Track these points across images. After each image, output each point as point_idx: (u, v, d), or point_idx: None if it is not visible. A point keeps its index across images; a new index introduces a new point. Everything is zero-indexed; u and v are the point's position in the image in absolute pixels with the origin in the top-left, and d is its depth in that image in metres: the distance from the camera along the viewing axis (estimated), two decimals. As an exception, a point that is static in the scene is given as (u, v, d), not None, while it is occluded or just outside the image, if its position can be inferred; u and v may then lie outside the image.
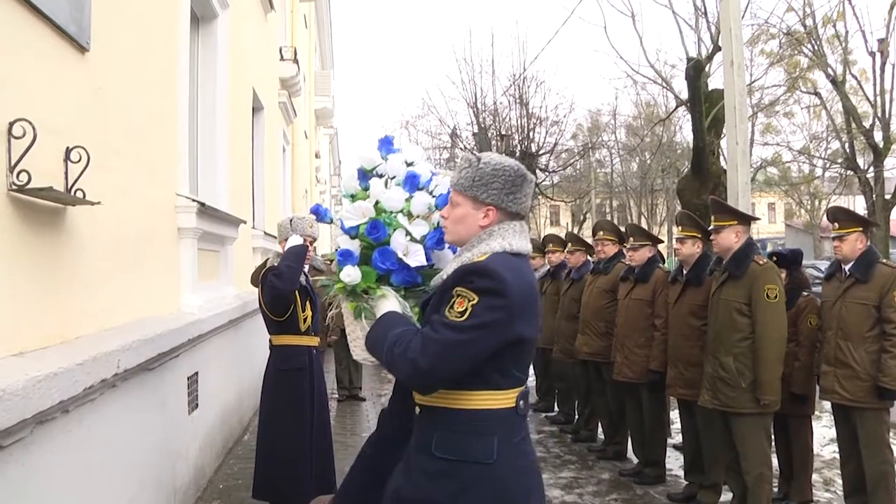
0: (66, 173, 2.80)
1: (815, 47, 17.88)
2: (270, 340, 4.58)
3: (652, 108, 29.46)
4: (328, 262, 7.44)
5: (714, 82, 11.58)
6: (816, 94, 21.41)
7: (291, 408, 4.41)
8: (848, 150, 19.89)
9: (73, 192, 2.79)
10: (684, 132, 27.07)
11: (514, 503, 2.06)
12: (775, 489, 4.78)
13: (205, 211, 4.97)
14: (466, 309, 1.98)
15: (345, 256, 2.36)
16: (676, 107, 16.33)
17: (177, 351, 4.16)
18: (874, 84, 18.56)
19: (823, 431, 6.54)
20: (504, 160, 2.20)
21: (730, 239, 4.58)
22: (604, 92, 63.95)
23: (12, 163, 2.36)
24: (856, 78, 20.07)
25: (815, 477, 5.17)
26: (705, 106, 9.71)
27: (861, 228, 4.49)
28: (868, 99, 19.43)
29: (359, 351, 2.29)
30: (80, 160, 2.81)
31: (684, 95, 11.83)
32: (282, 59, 11.43)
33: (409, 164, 2.60)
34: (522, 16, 78.78)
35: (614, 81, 50.79)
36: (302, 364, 4.49)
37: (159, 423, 3.99)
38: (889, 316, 4.25)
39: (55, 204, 2.75)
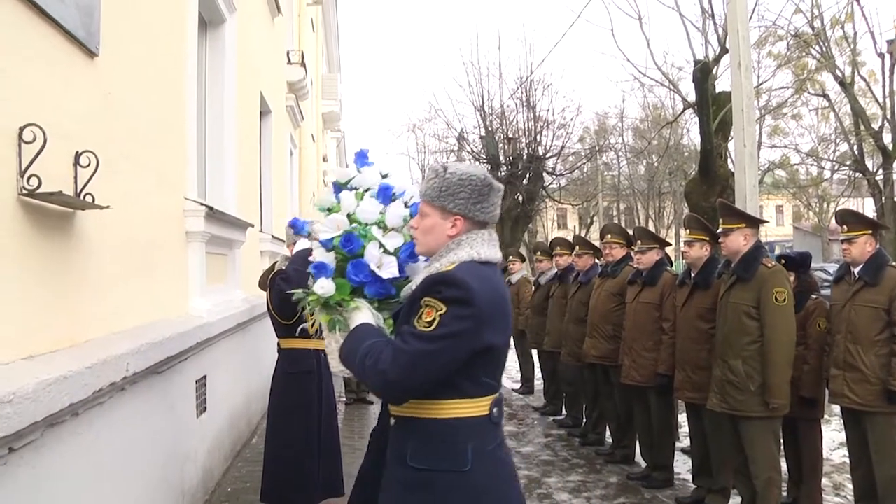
0: (76, 178, 2.82)
1: (824, 49, 17.83)
2: (279, 344, 4.59)
3: (659, 110, 29.45)
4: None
5: (721, 85, 11.55)
6: (825, 96, 21.35)
7: (299, 411, 4.42)
8: (857, 153, 19.82)
9: (82, 197, 2.81)
10: (692, 135, 27.06)
11: None
12: (784, 493, 4.76)
13: (213, 215, 4.98)
14: (435, 319, 1.98)
15: (319, 269, 2.38)
16: (684, 109, 16.28)
17: (185, 354, 4.17)
18: (883, 86, 18.51)
19: (833, 435, 6.51)
20: (471, 170, 2.21)
21: (738, 242, 4.57)
22: (611, 95, 64.04)
23: (23, 167, 2.37)
24: (864, 80, 20.02)
25: (824, 481, 5.15)
26: (713, 108, 9.69)
27: (870, 231, 4.47)
28: (877, 101, 19.37)
29: (335, 363, 2.30)
30: (89, 164, 2.82)
31: (692, 98, 11.80)
32: (289, 62, 11.46)
33: (384, 177, 2.63)
34: (529, 19, 78.87)
35: (621, 84, 50.84)
36: (310, 367, 4.49)
37: (168, 425, 4.00)
38: (899, 319, 4.23)
39: (65, 208, 2.77)
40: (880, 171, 18.74)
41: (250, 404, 6.64)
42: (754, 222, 4.75)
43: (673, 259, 7.35)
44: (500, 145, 17.86)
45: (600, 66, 49.97)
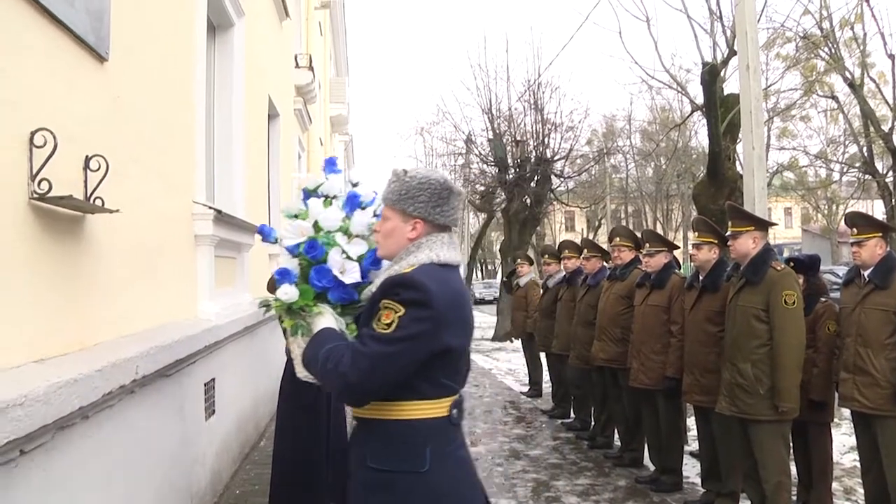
0: (86, 182, 2.84)
1: (833, 50, 17.73)
2: (287, 347, 4.59)
3: (667, 112, 29.35)
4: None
5: (730, 87, 11.52)
6: (833, 97, 21.25)
7: (308, 414, 4.42)
8: (866, 154, 19.72)
9: (92, 201, 2.82)
10: (700, 137, 26.95)
11: None
12: (794, 497, 4.73)
13: (221, 218, 5.00)
14: (393, 321, 2.01)
15: (282, 275, 2.40)
16: (692, 112, 16.24)
17: (194, 357, 4.19)
18: (893, 87, 18.36)
19: (843, 439, 6.47)
20: (430, 174, 2.24)
21: (747, 245, 4.56)
22: (619, 97, 63.94)
23: (34, 171, 2.39)
24: (874, 81, 19.90)
25: (835, 485, 5.11)
26: (721, 111, 9.65)
27: (880, 234, 4.44)
28: (887, 102, 19.25)
29: (299, 368, 2.32)
30: (99, 168, 2.84)
31: (699, 100, 11.76)
32: (297, 66, 11.50)
33: (354, 185, 2.65)
34: (537, 21, 78.87)
35: (629, 86, 50.72)
36: (318, 370, 4.49)
37: (177, 428, 4.01)
38: (909, 322, 4.20)
39: (75, 212, 2.78)
40: (890, 173, 18.63)
41: (258, 407, 6.66)
42: (763, 225, 4.73)
43: (681, 262, 7.33)
44: (508, 148, 17.80)
45: (608, 69, 49.88)
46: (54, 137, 2.42)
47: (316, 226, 2.47)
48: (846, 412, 5.23)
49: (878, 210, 24.50)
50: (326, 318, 2.30)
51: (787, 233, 46.64)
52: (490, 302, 23.76)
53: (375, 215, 2.54)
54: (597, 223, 39.36)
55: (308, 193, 2.62)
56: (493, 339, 17.80)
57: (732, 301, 4.60)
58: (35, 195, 2.40)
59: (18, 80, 2.36)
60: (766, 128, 18.33)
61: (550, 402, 8.83)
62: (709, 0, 11.76)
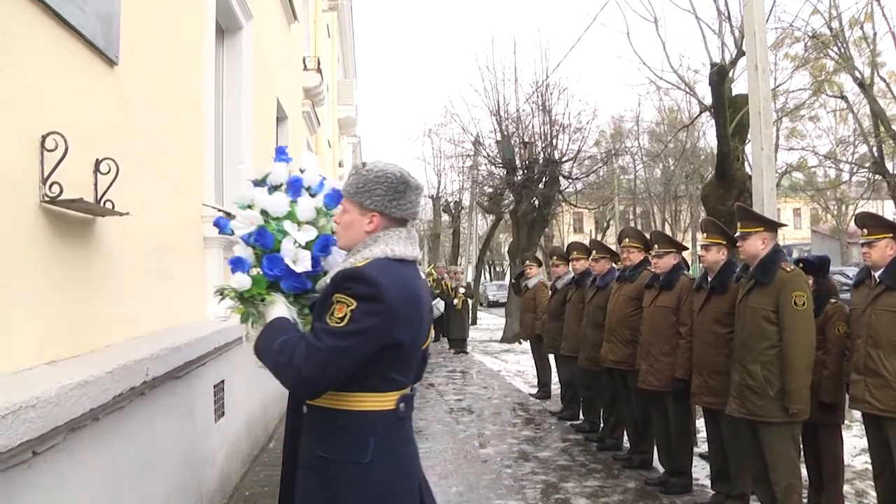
0: (96, 185, 2.85)
1: (842, 50, 17.64)
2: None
3: (675, 113, 29.29)
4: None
5: (738, 87, 11.47)
6: (843, 97, 21.13)
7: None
8: (876, 154, 19.60)
9: (102, 204, 2.84)
10: (708, 138, 26.87)
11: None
12: (805, 500, 4.71)
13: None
14: (346, 315, 2.03)
15: (235, 263, 2.42)
16: (700, 112, 16.19)
17: (203, 359, 4.20)
18: (903, 86, 18.28)
19: (854, 441, 6.43)
20: (387, 167, 2.25)
21: (756, 246, 4.54)
22: (627, 98, 63.78)
23: (45, 175, 2.41)
24: (884, 80, 19.77)
25: (846, 488, 5.08)
26: (729, 111, 9.61)
27: (891, 234, 4.41)
28: (897, 101, 19.14)
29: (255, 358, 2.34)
30: (109, 171, 2.86)
31: (708, 101, 11.73)
32: (305, 68, 11.52)
33: (302, 172, 2.67)
34: (545, 23, 78.81)
35: (637, 87, 50.67)
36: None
37: (186, 430, 4.02)
38: (920, 324, 4.18)
39: (85, 215, 2.80)
40: (900, 173, 18.53)
41: (267, 408, 6.67)
42: (772, 226, 4.72)
43: (690, 263, 7.31)
44: (516, 149, 17.79)
45: (616, 70, 49.97)
46: (65, 141, 2.44)
47: (265, 214, 2.48)
48: (857, 414, 5.19)
49: (888, 210, 24.39)
50: (279, 308, 2.32)
51: (796, 234, 46.43)
52: (503, 304, 23.75)
53: (312, 196, 2.56)
54: (605, 224, 39.28)
55: (257, 183, 2.63)
56: (502, 340, 17.80)
57: (742, 302, 4.59)
58: (46, 198, 2.42)
59: (30, 84, 2.38)
60: (775, 128, 18.26)
61: (559, 404, 8.82)
62: (717, 0, 11.72)
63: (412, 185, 2.26)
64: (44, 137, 2.41)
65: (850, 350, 4.51)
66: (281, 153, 2.73)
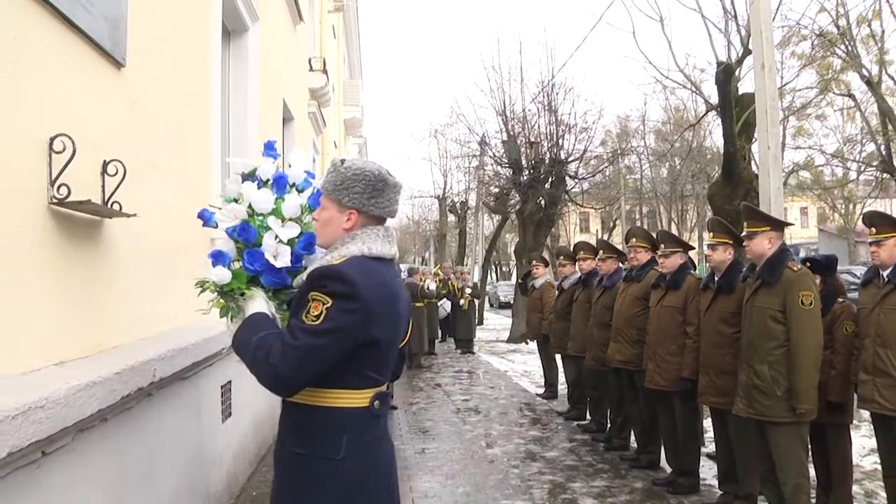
0: (104, 186, 2.86)
1: (849, 48, 17.56)
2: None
3: (681, 113, 29.20)
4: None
5: (745, 86, 11.43)
6: (850, 95, 21.04)
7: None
8: (884, 153, 19.50)
9: (109, 205, 2.85)
10: (714, 137, 26.81)
11: (356, 501, 2.12)
12: (813, 501, 4.69)
13: (237, 221, 5.02)
14: (321, 313, 2.02)
15: (216, 257, 2.42)
16: (706, 111, 16.12)
17: (211, 360, 4.21)
18: (912, 84, 18.18)
19: (863, 441, 6.41)
20: (366, 165, 2.25)
21: (763, 245, 4.53)
22: (633, 97, 63.59)
23: (53, 177, 2.42)
24: (892, 78, 19.66)
25: (855, 489, 5.06)
26: (736, 110, 9.58)
27: (899, 233, 4.40)
28: (905, 99, 19.04)
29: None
30: (116, 173, 2.87)
31: (714, 100, 11.68)
32: (311, 69, 11.54)
33: (290, 167, 2.67)
34: (550, 23, 78.72)
35: (643, 87, 50.33)
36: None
37: (194, 430, 4.04)
38: (929, 323, 4.16)
39: (93, 216, 2.81)
40: (909, 171, 18.41)
41: (274, 409, 6.65)
42: (779, 225, 4.71)
43: (696, 263, 7.29)
44: (522, 150, 17.77)
45: (622, 69, 49.81)
46: (73, 143, 2.45)
47: (250, 209, 2.48)
48: (866, 414, 5.18)
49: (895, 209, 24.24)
50: (258, 303, 2.32)
51: (803, 233, 46.25)
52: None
53: (299, 192, 2.56)
54: (611, 224, 39.23)
55: (245, 177, 2.63)
56: (508, 340, 17.80)
57: (748, 302, 4.57)
58: (54, 200, 2.43)
59: (38, 86, 2.39)
60: (782, 127, 18.20)
61: (566, 404, 8.81)
62: (723, -1, 11.67)
63: (390, 184, 2.26)
64: (52, 139, 2.43)
65: (858, 350, 4.50)
66: (269, 148, 2.72)
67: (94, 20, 2.78)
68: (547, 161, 17.41)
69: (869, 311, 4.40)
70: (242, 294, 2.37)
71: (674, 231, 30.47)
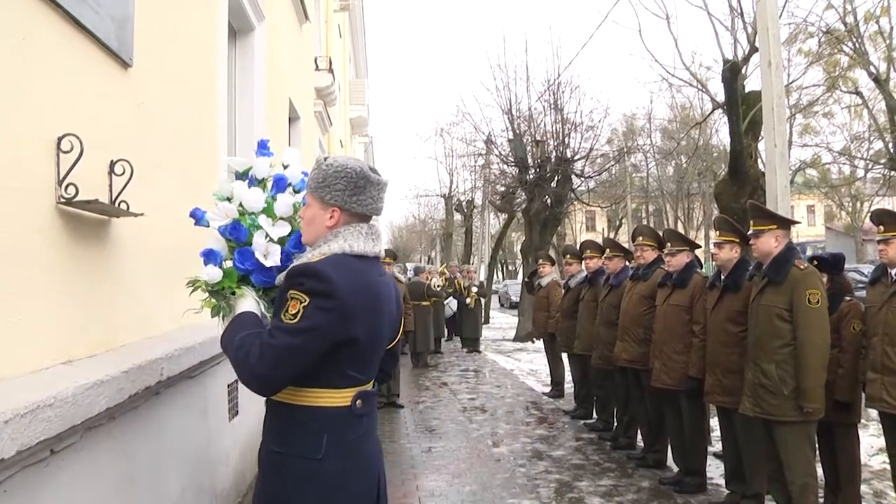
0: (111, 186, 2.87)
1: (857, 45, 17.49)
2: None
3: (688, 111, 29.15)
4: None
5: (751, 84, 11.40)
6: (858, 93, 20.95)
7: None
8: (892, 150, 19.42)
9: (117, 205, 2.86)
10: (721, 135, 26.74)
11: (335, 501, 2.11)
12: (821, 500, 4.68)
13: (244, 220, 5.03)
14: (299, 311, 2.01)
15: (207, 256, 2.42)
16: (713, 110, 16.10)
17: (217, 359, 4.22)
18: (921, 81, 18.08)
19: (871, 440, 6.39)
20: (348, 162, 2.22)
21: (769, 243, 4.52)
22: (639, 96, 63.56)
23: (61, 176, 2.43)
24: (901, 75, 19.58)
25: (864, 488, 5.05)
26: (742, 108, 9.57)
27: (907, 231, 4.39)
28: (913, 97, 18.92)
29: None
30: (123, 173, 2.87)
31: (721, 98, 11.67)
32: (317, 69, 11.55)
33: (285, 167, 2.66)
34: (556, 21, 78.61)
35: (649, 85, 50.46)
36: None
37: (201, 429, 4.05)
38: (937, 321, 4.14)
39: (100, 216, 2.82)
40: (917, 169, 18.34)
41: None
42: (785, 223, 4.69)
43: (703, 261, 7.28)
44: (528, 148, 17.77)
45: (628, 68, 49.74)
46: (80, 143, 2.45)
47: (241, 207, 2.48)
48: (874, 413, 5.16)
49: (904, 207, 24.07)
50: (248, 302, 2.32)
51: (810, 231, 46.12)
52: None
53: (295, 191, 2.55)
54: (618, 223, 39.15)
55: (238, 176, 2.63)
56: (515, 339, 17.80)
57: (755, 301, 4.56)
58: (62, 199, 2.43)
59: (46, 86, 2.40)
60: (789, 125, 18.13)
61: (572, 403, 8.81)
62: (729, -3, 11.63)
63: (372, 181, 2.22)
64: (59, 139, 2.43)
65: (865, 348, 4.49)
66: (263, 147, 2.72)
67: (101, 20, 2.79)
68: (553, 159, 17.40)
69: (877, 309, 4.38)
70: (233, 293, 2.37)
71: (680, 229, 30.40)
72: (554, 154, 17.53)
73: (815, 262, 4.80)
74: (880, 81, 17.79)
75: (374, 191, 2.23)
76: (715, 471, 5.78)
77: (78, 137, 2.45)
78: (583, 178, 19.08)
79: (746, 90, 10.46)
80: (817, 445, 4.63)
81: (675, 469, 5.82)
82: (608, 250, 7.32)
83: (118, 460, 2.77)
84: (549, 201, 17.21)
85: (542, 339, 10.55)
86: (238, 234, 2.40)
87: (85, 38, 2.70)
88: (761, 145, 9.72)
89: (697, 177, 32.65)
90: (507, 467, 6.24)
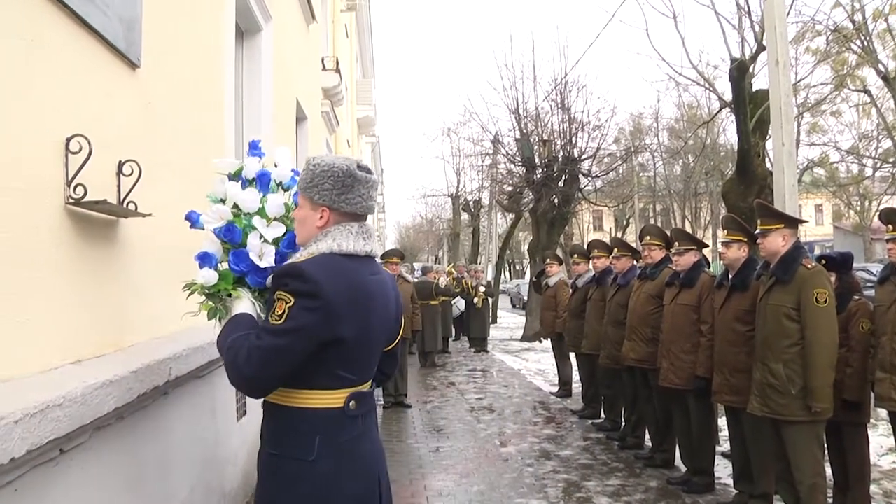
0: (119, 186, 2.88)
1: (865, 43, 17.41)
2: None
3: (695, 110, 29.10)
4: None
5: (759, 82, 11.37)
6: (866, 91, 20.89)
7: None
8: (901, 149, 19.35)
9: (125, 205, 2.87)
10: (728, 134, 26.70)
11: (329, 503, 2.09)
12: (830, 500, 4.66)
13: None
14: (284, 312, 2.01)
15: (202, 258, 2.41)
16: (720, 108, 16.06)
17: (225, 359, 4.23)
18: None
19: (881, 440, 6.36)
20: (335, 160, 2.20)
21: (777, 243, 4.50)
22: (646, 95, 63.43)
23: (69, 177, 2.44)
24: (909, 73, 19.48)
25: (873, 488, 5.03)
26: (750, 107, 9.54)
27: (916, 230, 4.37)
28: (922, 95, 18.84)
29: None
30: (131, 173, 2.88)
31: (728, 97, 11.64)
32: (324, 69, 11.58)
33: (276, 166, 2.65)
34: (563, 21, 78.55)
35: (656, 84, 50.34)
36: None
37: (209, 429, 4.06)
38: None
39: (109, 216, 2.83)
40: (926, 167, 18.26)
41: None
42: (793, 222, 4.67)
43: (710, 260, 7.27)
44: (536, 148, 17.74)
45: (635, 67, 49.64)
46: (89, 143, 2.46)
47: (235, 209, 2.47)
48: (883, 412, 5.14)
49: (913, 206, 23.95)
50: (244, 304, 2.32)
51: (818, 230, 45.95)
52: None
53: (284, 189, 2.55)
54: (625, 222, 39.10)
55: (231, 177, 2.63)
56: (522, 339, 17.78)
57: (763, 300, 4.55)
58: (71, 200, 2.44)
59: (54, 87, 2.41)
60: (796, 123, 18.05)
61: (580, 403, 8.80)
62: (737, -5, 11.60)
63: (360, 179, 2.19)
64: (68, 140, 2.44)
65: (874, 347, 4.47)
66: (253, 147, 2.72)
67: (109, 21, 2.80)
68: (560, 159, 17.38)
69: (885, 308, 4.37)
70: (229, 295, 2.37)
71: (688, 229, 30.34)
72: (561, 153, 17.50)
73: (824, 262, 4.78)
74: (889, 79, 17.69)
75: (362, 189, 2.21)
76: (723, 470, 5.76)
77: (86, 138, 2.46)
78: (590, 178, 19.04)
79: (754, 89, 10.43)
80: (826, 445, 4.61)
81: (683, 469, 5.81)
82: (616, 250, 7.31)
83: (127, 460, 2.78)
84: (556, 201, 17.19)
85: (549, 339, 10.54)
86: (232, 236, 2.40)
87: (93, 39, 2.71)
88: (769, 144, 9.68)
89: (705, 176, 32.58)
90: (514, 467, 6.23)
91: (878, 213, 5.00)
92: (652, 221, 35.56)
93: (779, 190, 6.59)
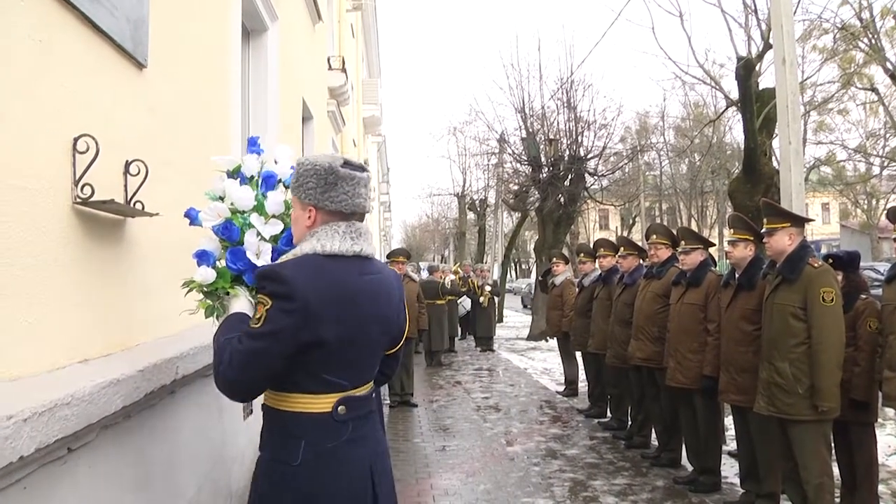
0: (126, 186, 2.89)
1: (873, 41, 17.33)
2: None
3: (701, 108, 29.03)
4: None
5: (765, 81, 11.35)
6: (873, 89, 20.79)
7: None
8: (908, 148, 19.25)
9: (132, 205, 2.88)
10: (734, 133, 26.62)
11: None
12: (837, 500, 4.64)
13: (257, 220, 5.05)
14: (262, 315, 1.99)
15: (200, 257, 2.41)
16: (727, 107, 16.01)
17: (232, 358, 4.23)
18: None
19: (889, 440, 6.34)
20: (318, 158, 2.17)
21: (783, 241, 4.49)
22: (652, 93, 63.24)
23: (77, 177, 2.45)
24: (918, 72, 19.38)
25: (881, 488, 5.01)
26: (756, 105, 9.51)
27: (924, 229, 4.35)
28: (930, 94, 18.79)
29: None
30: (138, 173, 2.89)
31: (734, 95, 11.60)
32: (330, 68, 11.58)
33: (276, 164, 2.64)
34: (569, 20, 78.39)
35: (662, 83, 50.12)
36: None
37: (216, 428, 4.06)
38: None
39: (116, 216, 2.84)
40: (934, 166, 18.17)
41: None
42: (800, 221, 4.66)
43: (717, 259, 7.25)
44: (542, 147, 17.74)
45: (641, 65, 49.52)
46: (96, 143, 2.47)
47: (233, 206, 2.47)
48: (891, 412, 5.12)
49: (921, 204, 23.84)
50: (241, 302, 2.31)
51: (824, 229, 45.77)
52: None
53: (286, 187, 2.54)
54: (631, 221, 39.03)
55: (230, 175, 2.62)
56: (528, 338, 17.77)
57: (769, 299, 4.54)
58: (78, 199, 2.45)
59: (63, 87, 2.42)
60: (803, 122, 17.99)
61: (587, 402, 8.79)
62: (743, -7, 11.58)
63: (342, 176, 2.13)
64: (75, 140, 2.45)
65: (882, 347, 4.45)
66: (252, 144, 2.71)
67: (116, 21, 2.81)
68: (566, 158, 17.36)
69: (893, 307, 4.35)
70: (227, 293, 2.36)
71: (694, 228, 30.26)
72: (567, 152, 17.49)
73: (830, 261, 4.77)
74: (896, 78, 17.61)
75: (346, 186, 2.14)
76: (730, 470, 5.75)
77: (93, 138, 2.47)
78: (596, 177, 19.01)
79: (760, 87, 10.41)
80: (833, 445, 4.60)
81: (690, 468, 5.80)
82: (622, 248, 7.30)
83: (134, 458, 2.79)
84: (562, 200, 17.17)
85: (555, 338, 10.54)
86: (230, 234, 2.40)
87: (101, 39, 2.72)
88: (775, 143, 9.65)
89: (711, 175, 32.51)
90: (521, 466, 6.23)
91: (885, 212, 4.97)
92: (658, 220, 35.50)
93: (785, 188, 6.57)
